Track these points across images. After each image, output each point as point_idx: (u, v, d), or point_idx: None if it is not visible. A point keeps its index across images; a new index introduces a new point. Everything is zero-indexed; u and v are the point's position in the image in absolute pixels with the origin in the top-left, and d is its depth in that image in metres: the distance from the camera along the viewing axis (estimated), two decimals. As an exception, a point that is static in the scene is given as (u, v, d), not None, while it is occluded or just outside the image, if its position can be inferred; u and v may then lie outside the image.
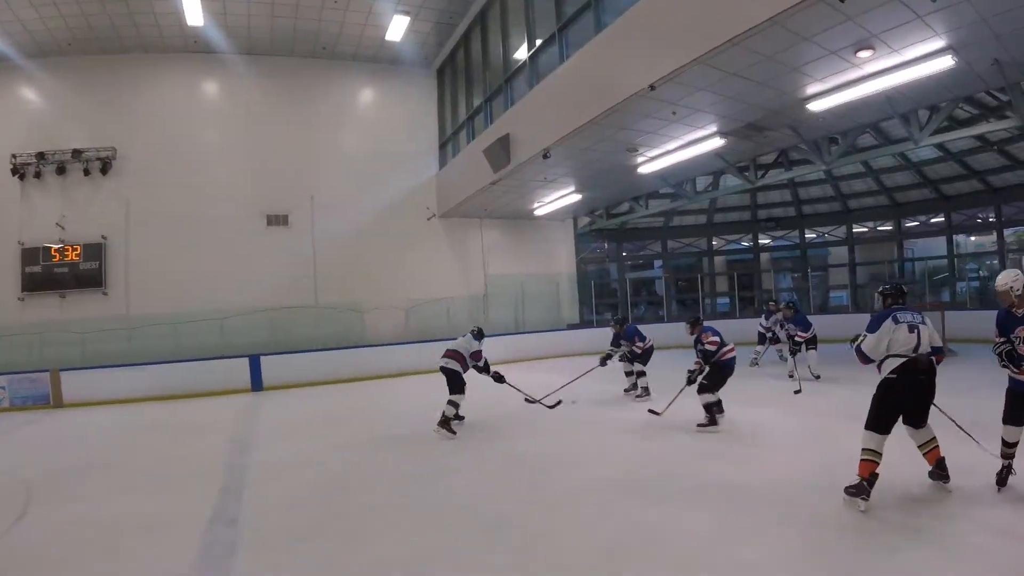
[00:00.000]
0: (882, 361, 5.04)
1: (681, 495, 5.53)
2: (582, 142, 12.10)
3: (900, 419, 5.06)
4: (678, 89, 9.54)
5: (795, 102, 10.39)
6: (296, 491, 6.31)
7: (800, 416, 8.72)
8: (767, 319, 14.57)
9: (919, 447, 5.22)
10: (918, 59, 8.63)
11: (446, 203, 18.43)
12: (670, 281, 23.74)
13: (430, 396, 12.46)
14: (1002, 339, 4.94)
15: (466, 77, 17.02)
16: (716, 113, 10.98)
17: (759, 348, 14.51)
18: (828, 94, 9.90)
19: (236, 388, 14.40)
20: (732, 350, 8.32)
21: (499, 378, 9.32)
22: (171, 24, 15.01)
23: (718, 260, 23.75)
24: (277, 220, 17.32)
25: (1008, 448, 4.99)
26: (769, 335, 14.44)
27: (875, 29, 7.85)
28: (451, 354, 9.04)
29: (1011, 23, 7.85)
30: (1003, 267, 17.43)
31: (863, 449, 4.93)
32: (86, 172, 15.65)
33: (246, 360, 14.80)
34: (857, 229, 21.39)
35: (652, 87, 9.22)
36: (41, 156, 15.36)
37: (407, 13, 15.49)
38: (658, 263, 24.28)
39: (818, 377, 11.68)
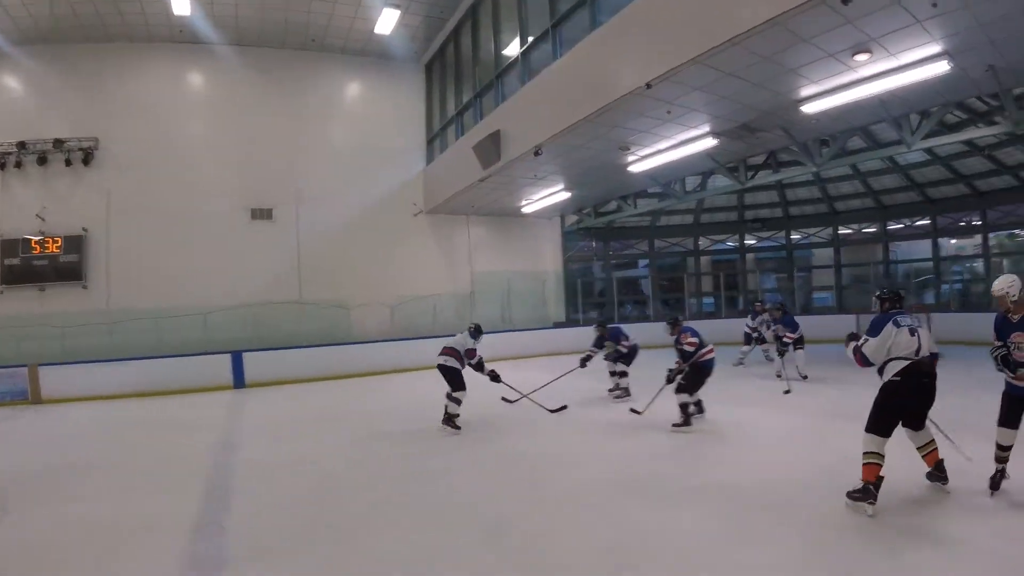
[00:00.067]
0: (884, 365, 5.06)
1: (679, 496, 5.53)
2: (575, 140, 12.01)
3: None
4: (674, 88, 9.49)
5: (789, 103, 10.39)
6: (288, 491, 6.19)
7: (791, 416, 8.79)
8: (753, 319, 14.68)
9: (918, 449, 5.26)
10: (914, 64, 8.66)
11: (433, 199, 18.29)
12: (655, 280, 23.76)
13: (418, 394, 12.50)
14: (999, 343, 4.96)
15: (456, 72, 16.88)
16: (710, 113, 10.95)
17: (745, 348, 14.59)
18: (823, 96, 9.91)
19: (218, 385, 14.19)
20: (711, 351, 8.33)
21: (495, 377, 9.22)
22: (157, 13, 14.71)
23: (703, 260, 23.81)
24: (261, 214, 17.07)
25: (1002, 451, 5.01)
26: (755, 335, 14.54)
27: (874, 33, 7.85)
28: (448, 351, 8.95)
29: (1007, 30, 7.90)
30: (987, 270, 17.69)
31: (866, 453, 4.93)
32: (68, 163, 15.32)
33: (228, 356, 14.58)
34: (842, 231, 21.55)
35: (648, 85, 9.17)
36: (22, 145, 15.00)
37: (397, 6, 15.29)
38: (643, 262, 24.30)
39: (805, 377, 11.78)
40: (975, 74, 9.24)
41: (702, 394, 8.55)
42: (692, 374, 8.23)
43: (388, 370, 15.92)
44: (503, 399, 10.01)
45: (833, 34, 7.82)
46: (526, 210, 18.98)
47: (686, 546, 4.45)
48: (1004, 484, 5.04)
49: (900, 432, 5.10)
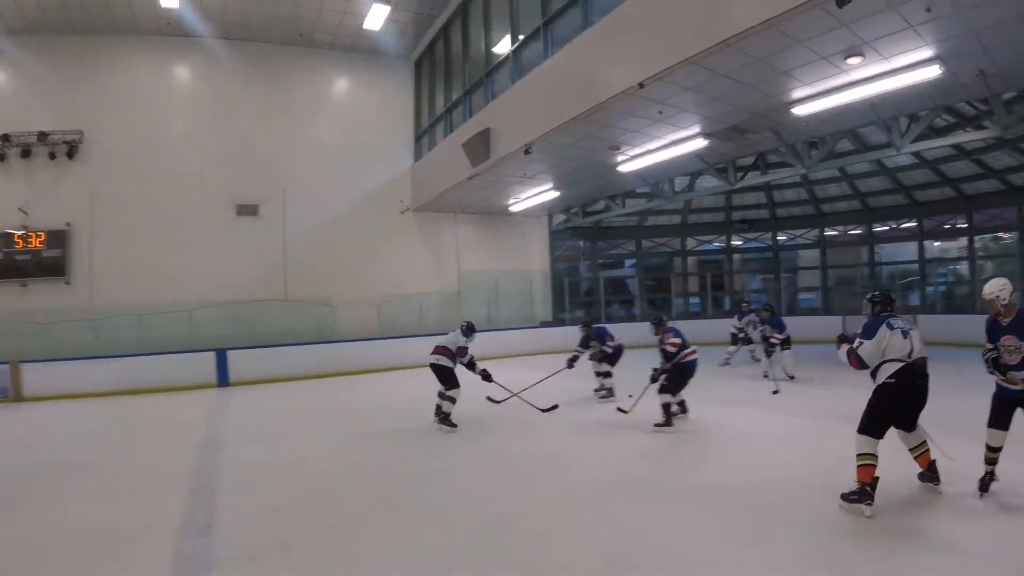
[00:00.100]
0: (878, 367, 5.07)
1: (678, 496, 5.54)
2: (565, 138, 11.99)
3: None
4: (667, 88, 9.49)
5: (781, 105, 10.42)
6: (279, 492, 6.09)
7: (782, 416, 8.84)
8: (740, 320, 14.78)
9: (911, 450, 5.31)
10: (906, 67, 8.73)
11: (421, 197, 18.20)
12: (642, 280, 23.80)
13: (407, 392, 12.44)
14: (991, 346, 5.02)
15: (445, 69, 16.79)
16: (701, 114, 10.96)
17: (731, 349, 14.68)
18: (814, 99, 9.95)
19: (202, 383, 14.01)
20: (694, 352, 8.35)
21: (486, 376, 9.16)
22: (144, 5, 14.51)
23: (690, 260, 23.88)
24: (247, 210, 16.86)
25: (992, 452, 5.05)
26: (742, 336, 14.64)
27: (867, 36, 7.88)
28: (440, 350, 8.91)
29: (999, 36, 7.98)
30: (972, 273, 17.86)
31: (860, 454, 4.96)
32: (52, 156, 15.06)
33: (212, 354, 14.41)
34: (828, 232, 21.70)
35: (641, 85, 9.15)
36: (6, 138, 14.73)
37: (387, 2, 15.21)
38: (630, 262, 24.33)
39: (792, 378, 11.87)
40: (965, 79, 9.30)
41: (690, 395, 8.60)
42: (674, 375, 8.26)
43: (374, 369, 15.80)
44: (488, 399, 9.92)
45: (827, 37, 7.84)
46: (514, 209, 18.95)
47: (685, 546, 4.46)
48: (993, 486, 5.08)
49: (890, 433, 5.14)
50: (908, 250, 20.15)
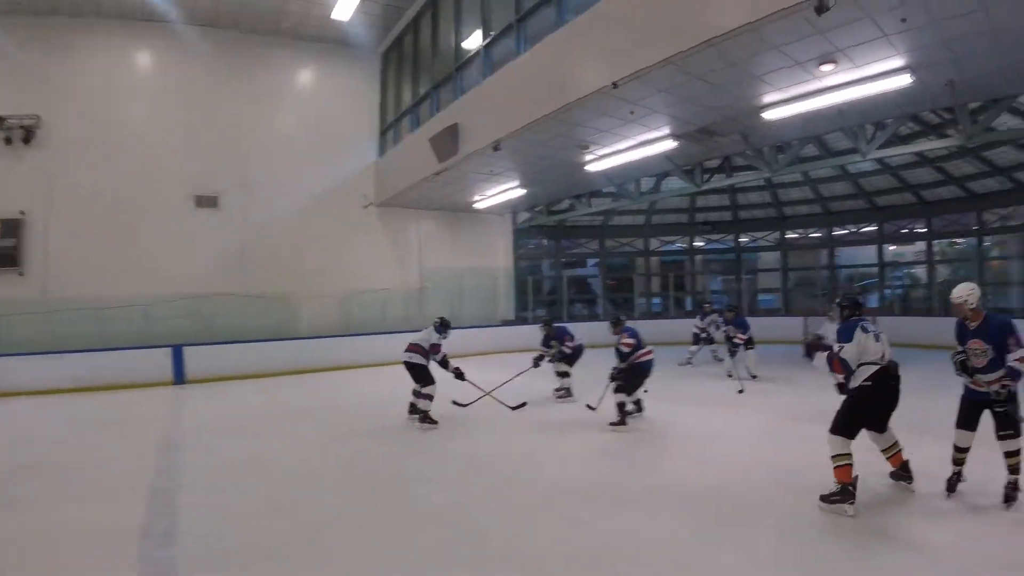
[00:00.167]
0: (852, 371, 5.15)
1: (652, 497, 5.56)
2: (535, 136, 11.85)
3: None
4: (640, 89, 9.41)
5: (751, 109, 10.45)
6: (243, 497, 5.86)
7: (747, 416, 9.00)
8: (702, 320, 15.01)
9: (883, 451, 5.42)
10: (877, 76, 8.80)
11: (385, 192, 17.92)
12: (605, 280, 23.83)
13: (371, 391, 12.28)
14: (960, 349, 5.13)
15: (413, 63, 16.49)
16: (673, 115, 10.93)
17: (693, 348, 14.92)
18: (784, 104, 10.00)
19: (157, 380, 13.62)
20: (649, 353, 8.46)
21: (459, 374, 9.09)
22: (107, -12, 13.92)
23: (652, 260, 24.00)
24: (206, 202, 16.31)
25: (959, 453, 5.16)
26: (703, 336, 14.85)
27: (841, 44, 7.93)
28: (413, 348, 8.82)
29: (970, 47, 8.11)
30: (930, 277, 18.32)
31: (837, 455, 5.04)
32: (8, 141, 14.27)
33: (168, 350, 14.00)
34: (790, 235, 22.02)
35: (615, 85, 9.05)
36: (-40, 122, 14.00)
37: (355, -8, 14.89)
38: (592, 261, 24.35)
39: (755, 377, 12.12)
40: (934, 88, 9.44)
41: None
42: (629, 375, 8.36)
43: (336, 367, 15.58)
44: (454, 403, 9.71)
45: (802, 43, 7.86)
46: (479, 206, 18.80)
47: (665, 548, 4.49)
48: (961, 486, 5.21)
49: (860, 434, 5.22)
50: (867, 253, 20.57)
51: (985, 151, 15.16)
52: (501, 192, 16.97)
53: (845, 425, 5.08)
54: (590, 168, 14.14)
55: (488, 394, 9.77)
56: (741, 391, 10.85)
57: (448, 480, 6.31)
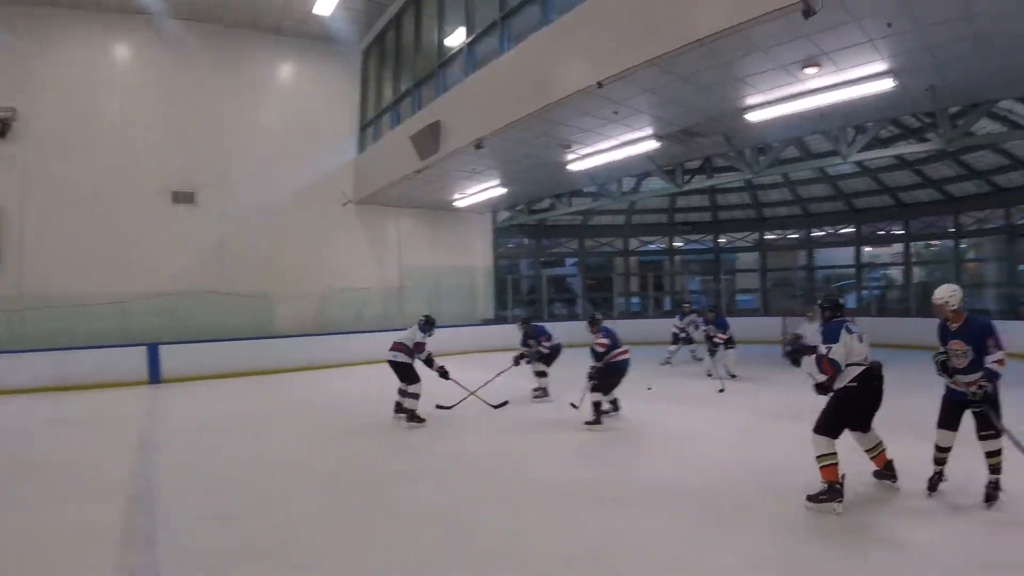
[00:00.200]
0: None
1: (642, 498, 5.55)
2: (519, 135, 11.79)
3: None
4: (625, 89, 9.40)
5: (735, 111, 10.48)
6: (224, 499, 5.72)
7: (729, 415, 9.06)
8: (681, 320, 15.14)
9: (867, 451, 5.46)
10: (860, 79, 8.87)
11: (364, 189, 17.75)
12: (584, 279, 23.90)
13: (349, 391, 12.19)
14: (941, 350, 5.18)
15: (395, 59, 16.35)
16: (656, 116, 10.94)
17: (672, 348, 15.06)
18: (767, 106, 10.03)
19: (132, 380, 13.38)
20: (625, 352, 8.53)
21: (444, 373, 9.08)
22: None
23: (631, 260, 24.07)
24: (183, 198, 16.01)
25: (940, 453, 5.22)
26: (682, 335, 14.96)
27: (826, 47, 7.98)
28: (397, 347, 8.79)
29: (953, 53, 8.19)
30: (907, 278, 18.61)
31: (822, 455, 5.06)
32: (-17, 133, 13.93)
33: (144, 349, 13.76)
34: (768, 236, 22.24)
35: (600, 84, 9.02)
36: (-65, 113, 13.59)
37: (339, -13, 14.74)
38: (571, 261, 24.37)
39: (734, 376, 12.25)
40: (916, 93, 9.53)
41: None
42: (605, 374, 8.41)
43: (314, 366, 15.46)
44: (438, 407, 9.58)
45: (787, 46, 7.90)
46: (459, 204, 18.71)
47: (661, 547, 4.48)
48: (943, 486, 5.26)
49: (843, 434, 5.25)
50: (844, 255, 20.85)
51: (963, 155, 15.41)
52: (482, 191, 16.90)
53: (830, 425, 5.11)
54: (572, 167, 14.11)
55: (473, 394, 9.75)
56: (721, 390, 10.94)
57: (438, 479, 6.27)
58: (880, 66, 8.50)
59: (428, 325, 9.00)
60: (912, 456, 5.56)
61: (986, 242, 18.44)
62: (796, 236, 21.75)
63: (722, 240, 23.07)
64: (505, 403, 9.81)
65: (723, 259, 23.71)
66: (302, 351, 15.69)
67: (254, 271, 16.58)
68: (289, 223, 17.18)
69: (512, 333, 12.05)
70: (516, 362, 10.51)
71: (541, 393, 10.52)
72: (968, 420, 5.01)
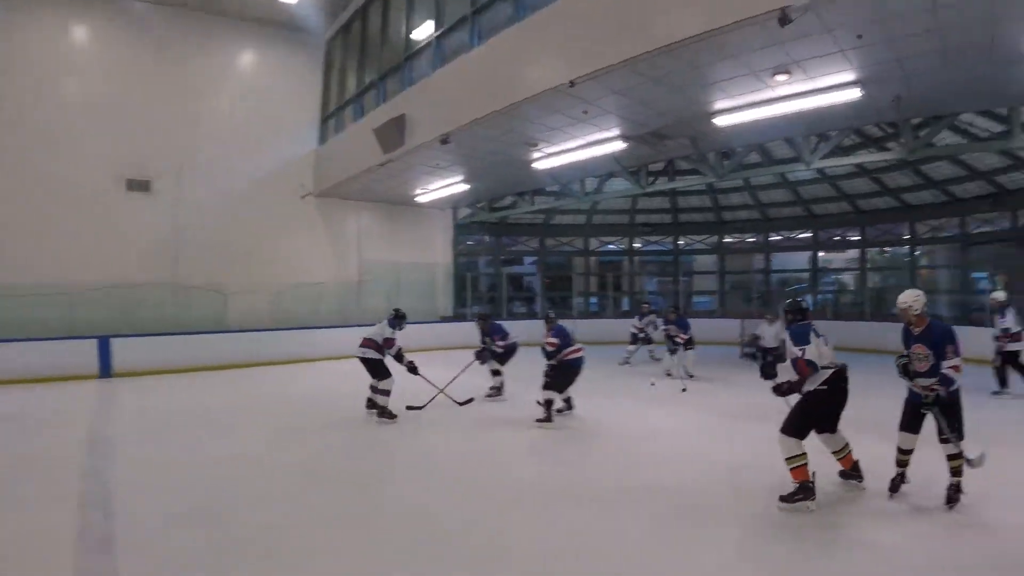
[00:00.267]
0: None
1: (613, 498, 5.52)
2: (485, 131, 11.73)
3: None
4: (596, 89, 9.40)
5: (703, 115, 10.55)
6: (183, 500, 5.50)
7: (689, 415, 9.12)
8: (640, 320, 15.25)
9: (834, 453, 5.51)
10: (829, 88, 9.00)
11: (324, 181, 17.47)
12: (543, 278, 23.90)
13: (308, 387, 11.93)
14: (904, 354, 5.26)
15: (360, 51, 16.08)
16: (625, 116, 10.97)
17: (631, 348, 15.15)
18: (736, 111, 10.13)
19: (81, 374, 12.91)
20: (579, 351, 8.60)
21: (412, 368, 9.00)
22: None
23: (591, 260, 24.20)
24: (138, 186, 15.46)
25: (902, 455, 5.31)
26: (641, 336, 15.04)
27: (798, 56, 8.08)
28: (367, 343, 8.70)
29: (920, 65, 8.38)
30: (863, 283, 19.07)
31: (792, 456, 5.10)
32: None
33: (95, 342, 13.29)
34: (727, 239, 22.57)
35: (572, 83, 9.01)
36: None
37: (303, -25, 14.45)
38: (530, 259, 24.37)
39: (692, 376, 12.30)
40: (882, 103, 9.75)
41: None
42: (559, 373, 8.48)
43: (269, 361, 15.12)
44: (408, 408, 9.40)
45: (760, 53, 7.98)
46: (420, 199, 18.52)
47: (641, 551, 4.45)
48: (905, 487, 5.35)
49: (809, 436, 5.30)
50: (798, 259, 21.30)
51: (922, 164, 15.83)
52: (444, 186, 16.77)
53: (797, 427, 5.14)
54: (537, 166, 14.08)
55: (441, 391, 9.74)
56: (684, 390, 11.03)
57: (409, 479, 6.22)
58: (849, 76, 8.65)
59: (397, 320, 8.89)
60: (876, 456, 5.65)
61: (939, 249, 19.05)
62: (754, 240, 22.11)
63: (681, 242, 23.29)
64: (471, 400, 9.82)
65: (681, 261, 23.95)
66: (259, 345, 15.34)
67: (209, 263, 16.13)
68: (246, 215, 16.78)
69: (472, 331, 11.97)
70: (478, 357, 10.39)
71: (495, 392, 10.43)
72: (931, 423, 5.08)
